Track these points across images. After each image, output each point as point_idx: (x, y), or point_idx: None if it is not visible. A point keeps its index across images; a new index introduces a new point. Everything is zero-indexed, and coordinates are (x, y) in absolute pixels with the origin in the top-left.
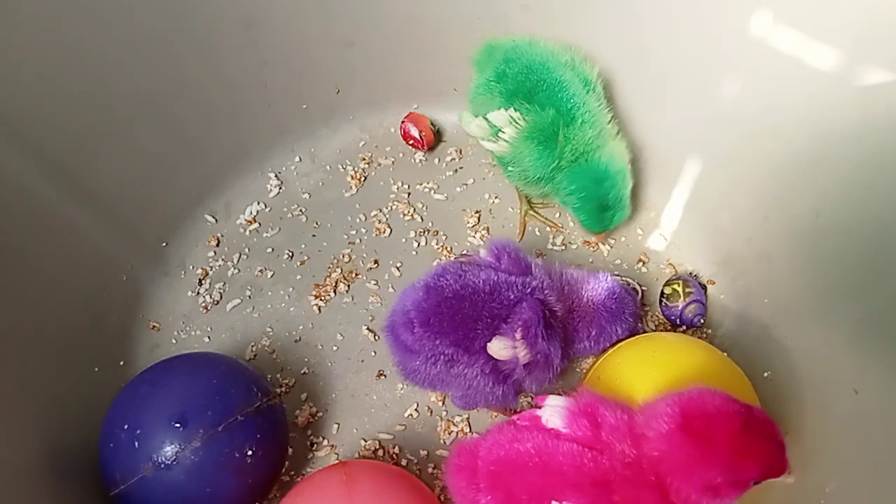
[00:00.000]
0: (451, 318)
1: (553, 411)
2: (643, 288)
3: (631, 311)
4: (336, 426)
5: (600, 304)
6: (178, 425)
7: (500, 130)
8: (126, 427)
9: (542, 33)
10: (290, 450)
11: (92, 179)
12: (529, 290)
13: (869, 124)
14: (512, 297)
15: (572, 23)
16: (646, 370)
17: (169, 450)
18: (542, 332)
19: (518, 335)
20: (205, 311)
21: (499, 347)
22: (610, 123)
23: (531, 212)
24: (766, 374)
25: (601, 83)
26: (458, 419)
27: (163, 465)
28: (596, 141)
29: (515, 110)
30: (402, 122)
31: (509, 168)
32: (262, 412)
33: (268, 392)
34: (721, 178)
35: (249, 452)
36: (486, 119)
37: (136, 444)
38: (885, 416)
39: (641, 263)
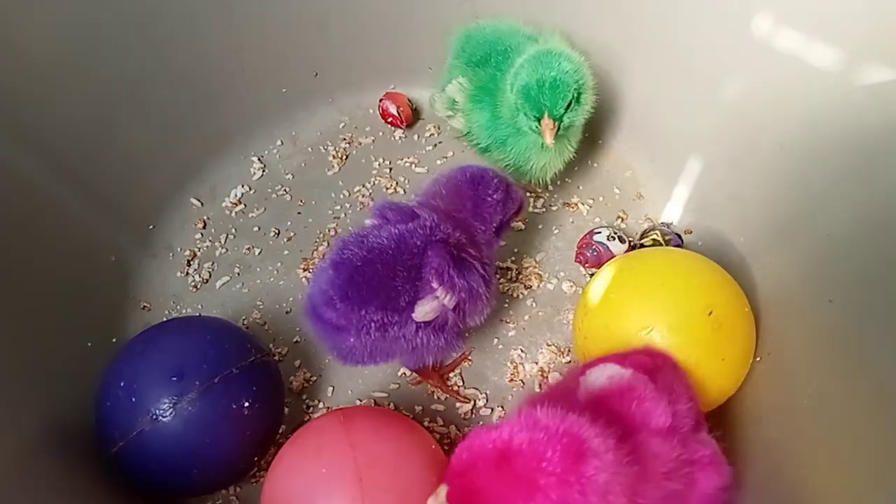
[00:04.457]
0: (368, 283)
1: None
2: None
3: (491, 186)
4: (331, 389)
5: (456, 199)
6: (174, 378)
7: (454, 101)
8: (122, 384)
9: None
10: (287, 412)
11: (78, 163)
12: (429, 231)
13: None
14: (418, 243)
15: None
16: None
17: (166, 402)
18: (455, 272)
19: (435, 284)
20: (195, 290)
21: (424, 310)
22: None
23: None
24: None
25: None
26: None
27: (160, 419)
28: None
29: (463, 76)
30: (380, 100)
31: (478, 147)
32: (257, 366)
33: (261, 349)
34: (691, 133)
35: (246, 404)
36: (444, 94)
37: (133, 399)
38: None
39: (620, 220)
